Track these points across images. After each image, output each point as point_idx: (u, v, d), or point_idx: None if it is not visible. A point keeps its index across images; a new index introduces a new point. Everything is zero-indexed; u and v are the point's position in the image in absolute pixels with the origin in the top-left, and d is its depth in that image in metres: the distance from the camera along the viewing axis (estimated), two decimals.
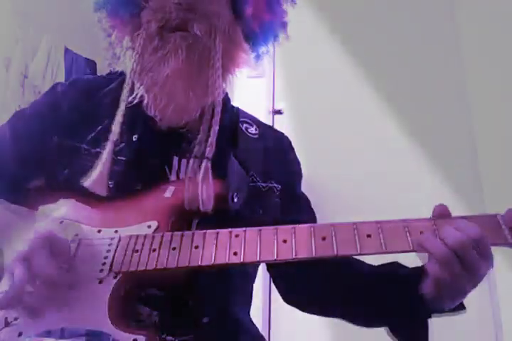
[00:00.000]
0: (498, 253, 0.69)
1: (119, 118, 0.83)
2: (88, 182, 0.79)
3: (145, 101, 0.86)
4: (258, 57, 0.99)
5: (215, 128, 0.83)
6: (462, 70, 2.21)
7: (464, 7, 2.29)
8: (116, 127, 0.82)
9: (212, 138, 0.82)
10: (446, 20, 2.36)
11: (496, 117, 2.04)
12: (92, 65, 2.45)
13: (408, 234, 0.68)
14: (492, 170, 2.01)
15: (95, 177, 0.79)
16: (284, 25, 0.98)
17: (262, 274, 0.97)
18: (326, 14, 2.47)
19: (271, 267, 0.94)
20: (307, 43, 2.41)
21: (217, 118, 0.84)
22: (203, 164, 0.79)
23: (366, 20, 2.41)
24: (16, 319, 0.68)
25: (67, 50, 2.39)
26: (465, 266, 0.67)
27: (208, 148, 0.81)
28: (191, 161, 0.83)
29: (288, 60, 2.44)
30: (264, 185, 0.92)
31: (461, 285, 0.68)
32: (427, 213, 0.72)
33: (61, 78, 2.25)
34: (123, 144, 0.85)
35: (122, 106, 0.84)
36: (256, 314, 0.94)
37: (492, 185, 1.98)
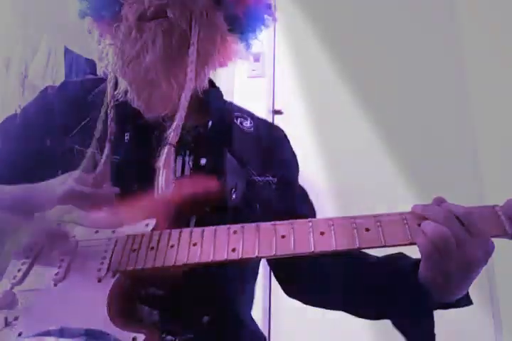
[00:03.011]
0: (498, 251, 0.68)
1: (110, 116, 0.83)
2: None
3: (129, 94, 0.86)
4: (248, 46, 0.98)
5: (181, 113, 0.82)
6: (462, 69, 2.21)
7: (464, 6, 2.29)
8: (111, 126, 0.82)
9: (178, 123, 0.81)
10: (446, 20, 2.36)
11: (496, 115, 2.04)
12: (92, 65, 2.44)
13: (407, 227, 0.68)
14: (492, 163, 2.01)
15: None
16: (269, 7, 0.97)
17: (262, 273, 0.97)
18: (327, 14, 2.47)
19: (271, 262, 0.94)
20: (307, 43, 2.42)
21: (184, 102, 0.83)
22: (165, 150, 0.78)
23: (367, 21, 2.41)
24: (15, 319, 0.68)
25: (67, 50, 2.39)
26: (457, 245, 0.65)
27: (171, 134, 0.80)
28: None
29: (288, 59, 2.44)
30: (260, 179, 0.92)
31: (452, 268, 0.67)
32: None
33: (61, 78, 2.25)
34: (116, 144, 0.85)
35: (111, 105, 0.84)
36: (256, 313, 0.94)
37: (492, 178, 1.98)
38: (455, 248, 0.65)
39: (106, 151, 0.81)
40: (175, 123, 0.81)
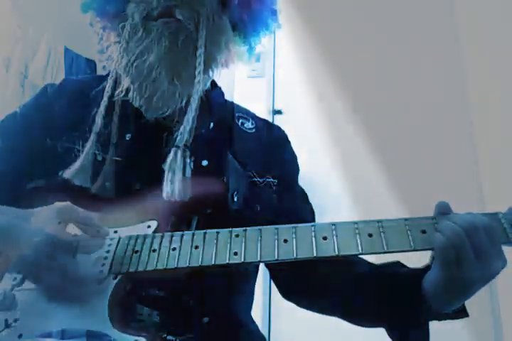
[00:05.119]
0: None
1: (101, 109, 0.83)
2: (68, 173, 0.79)
3: (130, 93, 0.86)
4: (251, 49, 0.99)
5: (189, 116, 0.82)
6: (462, 69, 2.21)
7: (464, 6, 2.29)
8: (98, 119, 0.82)
9: (185, 127, 0.81)
10: (446, 19, 2.36)
11: (496, 117, 2.04)
12: (92, 64, 2.44)
13: (409, 233, 0.68)
14: (492, 170, 2.01)
15: (76, 168, 0.79)
16: (273, 12, 0.97)
17: (262, 274, 0.97)
18: (327, 14, 2.47)
19: (269, 263, 0.94)
20: (307, 43, 2.42)
21: (193, 105, 0.83)
22: (172, 153, 0.78)
23: (367, 21, 2.41)
24: (15, 320, 0.68)
25: (67, 50, 2.39)
26: (475, 251, 0.65)
27: (179, 137, 0.80)
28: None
29: (288, 59, 2.44)
30: (260, 180, 0.92)
31: (469, 274, 0.67)
32: (428, 212, 0.71)
33: (61, 78, 2.25)
34: (117, 144, 0.85)
35: (105, 98, 0.84)
36: (256, 314, 0.94)
37: (492, 185, 1.98)
38: (472, 254, 0.66)
39: (90, 142, 0.81)
40: (182, 126, 0.81)
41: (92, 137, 0.81)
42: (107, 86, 0.87)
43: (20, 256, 0.67)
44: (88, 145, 0.81)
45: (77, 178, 0.79)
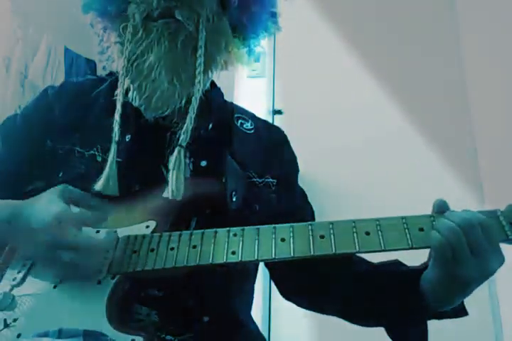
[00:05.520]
0: None
1: (117, 118, 0.83)
2: (99, 185, 0.78)
3: (130, 93, 0.86)
4: (251, 51, 0.99)
5: (191, 115, 0.82)
6: (462, 69, 2.21)
7: (465, 6, 2.29)
8: (116, 128, 0.82)
9: (188, 126, 0.81)
10: (446, 19, 2.36)
11: (496, 116, 2.04)
12: (92, 65, 2.44)
13: (407, 231, 0.68)
14: (492, 169, 2.01)
15: (103, 180, 0.79)
16: (273, 15, 0.98)
17: (262, 274, 0.97)
18: (327, 14, 2.47)
19: (269, 263, 0.94)
20: (308, 43, 2.42)
21: (195, 105, 0.83)
22: (175, 152, 0.79)
23: (367, 20, 2.41)
24: (14, 320, 0.68)
25: (67, 50, 2.38)
26: (472, 248, 0.66)
27: (182, 136, 0.80)
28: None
29: (288, 60, 2.44)
30: (259, 180, 0.92)
31: (466, 272, 0.67)
32: (427, 212, 0.71)
33: (61, 78, 2.25)
34: (117, 145, 0.85)
35: (118, 106, 0.84)
36: (256, 314, 0.94)
37: (492, 182, 1.98)
38: (468, 251, 0.66)
39: (112, 152, 0.81)
40: (185, 126, 0.81)
41: (113, 147, 0.81)
42: (119, 92, 0.86)
43: (33, 240, 0.69)
44: (110, 155, 0.81)
45: (107, 190, 0.79)
